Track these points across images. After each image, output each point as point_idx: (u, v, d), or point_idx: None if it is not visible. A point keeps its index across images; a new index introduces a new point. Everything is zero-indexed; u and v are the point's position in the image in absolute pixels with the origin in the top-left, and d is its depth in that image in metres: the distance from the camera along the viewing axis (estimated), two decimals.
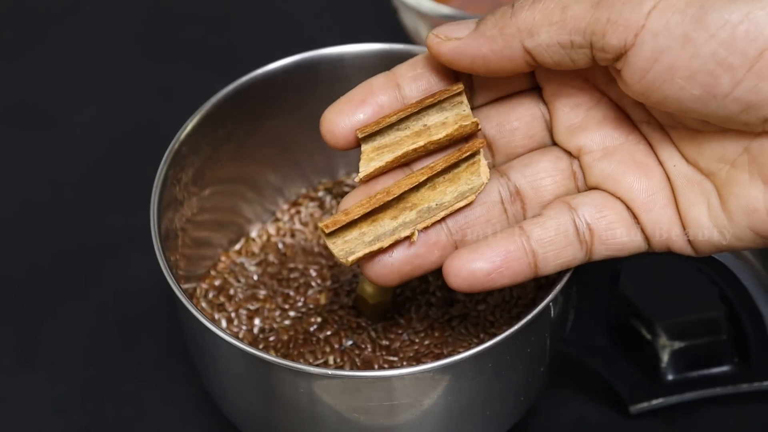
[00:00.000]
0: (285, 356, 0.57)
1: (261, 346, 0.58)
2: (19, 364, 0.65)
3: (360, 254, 0.50)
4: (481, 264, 0.49)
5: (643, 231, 0.49)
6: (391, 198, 0.50)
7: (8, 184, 0.74)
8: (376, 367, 0.56)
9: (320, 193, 0.64)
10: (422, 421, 0.52)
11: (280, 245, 0.62)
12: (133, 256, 0.69)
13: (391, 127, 0.50)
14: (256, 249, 0.62)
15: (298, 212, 0.63)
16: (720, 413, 0.61)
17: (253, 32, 0.81)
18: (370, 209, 0.50)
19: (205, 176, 0.59)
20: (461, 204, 0.50)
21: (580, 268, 0.51)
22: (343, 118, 0.50)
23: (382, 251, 0.50)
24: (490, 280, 0.49)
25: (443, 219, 0.50)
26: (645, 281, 0.60)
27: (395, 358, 0.57)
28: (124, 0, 0.84)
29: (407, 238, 0.50)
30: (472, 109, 0.51)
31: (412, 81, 0.50)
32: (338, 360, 0.57)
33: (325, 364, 0.56)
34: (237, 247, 0.62)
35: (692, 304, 0.63)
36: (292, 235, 0.63)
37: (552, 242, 0.49)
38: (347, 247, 0.50)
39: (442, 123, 0.50)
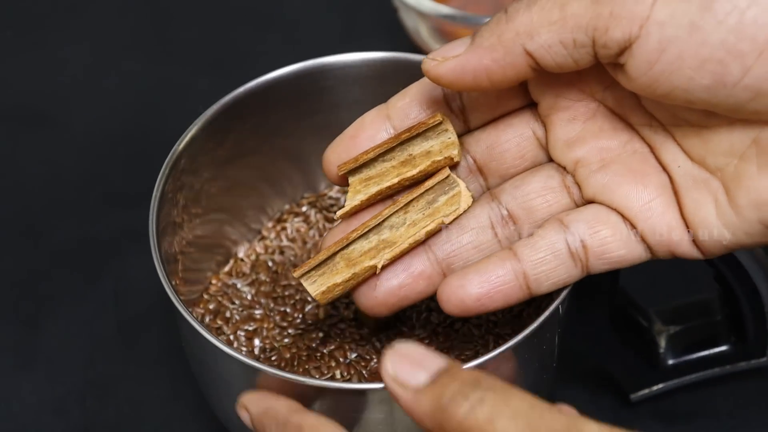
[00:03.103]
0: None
1: None
2: (19, 364, 0.65)
3: (330, 295, 0.51)
4: (469, 290, 0.49)
5: (643, 240, 0.49)
6: (358, 235, 0.50)
7: (8, 183, 0.74)
8: None
9: (304, 208, 0.63)
10: None
11: (270, 263, 0.61)
12: (132, 256, 0.68)
13: (376, 158, 0.50)
14: (246, 269, 0.61)
15: (284, 228, 0.63)
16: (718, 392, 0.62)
17: (253, 31, 0.81)
18: (336, 250, 0.51)
19: (190, 209, 0.59)
20: (429, 228, 0.50)
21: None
22: (336, 157, 0.51)
23: (365, 283, 0.51)
24: (480, 305, 0.49)
25: (427, 246, 0.51)
26: (636, 269, 0.60)
27: None
28: (124, 0, 0.84)
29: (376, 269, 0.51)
30: (468, 132, 0.51)
31: (401, 111, 0.50)
32: (345, 374, 0.56)
33: (332, 379, 0.56)
34: (226, 268, 0.62)
35: (683, 288, 0.63)
36: (281, 252, 0.62)
37: (543, 262, 0.49)
38: (323, 289, 0.51)
39: (427, 152, 0.50)
